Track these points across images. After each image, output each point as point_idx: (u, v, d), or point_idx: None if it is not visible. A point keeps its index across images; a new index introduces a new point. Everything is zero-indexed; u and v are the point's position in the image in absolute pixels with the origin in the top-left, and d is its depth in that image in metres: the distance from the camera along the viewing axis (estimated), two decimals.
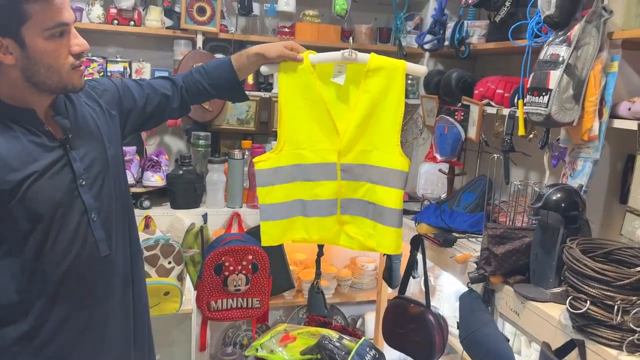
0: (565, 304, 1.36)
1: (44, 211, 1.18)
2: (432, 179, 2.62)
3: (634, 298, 1.19)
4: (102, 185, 1.29)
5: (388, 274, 2.35)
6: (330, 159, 1.70)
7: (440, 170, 2.44)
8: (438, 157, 2.32)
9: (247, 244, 2.27)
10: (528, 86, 1.65)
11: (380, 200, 1.70)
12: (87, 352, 1.28)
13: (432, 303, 2.07)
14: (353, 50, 1.62)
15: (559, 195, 1.46)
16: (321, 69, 1.65)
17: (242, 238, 2.30)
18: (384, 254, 2.38)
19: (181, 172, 2.27)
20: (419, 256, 2.10)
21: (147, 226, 2.28)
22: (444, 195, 2.45)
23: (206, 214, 2.31)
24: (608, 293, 1.21)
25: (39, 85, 1.18)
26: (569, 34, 1.55)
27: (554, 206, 1.46)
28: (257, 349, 2.09)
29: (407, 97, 2.75)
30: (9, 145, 1.16)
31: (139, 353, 1.42)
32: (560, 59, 1.55)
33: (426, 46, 2.56)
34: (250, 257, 2.27)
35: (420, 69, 1.70)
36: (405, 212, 2.38)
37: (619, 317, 1.20)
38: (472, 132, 2.19)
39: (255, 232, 2.36)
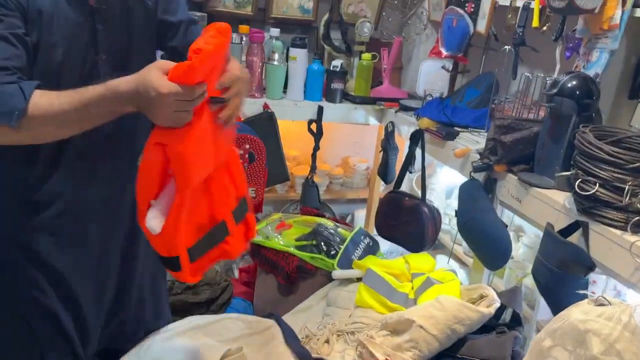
0: (570, 190, 1.39)
1: (59, 77, 1.12)
2: (432, 77, 2.57)
3: None
4: (123, 63, 1.22)
5: (383, 169, 2.37)
6: None
7: (443, 67, 2.39)
8: (444, 52, 2.26)
9: (244, 132, 2.23)
10: None
11: None
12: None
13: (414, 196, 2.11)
14: None
15: (574, 82, 1.44)
16: None
17: (239, 127, 2.25)
18: (381, 150, 2.39)
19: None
20: (418, 151, 2.11)
21: None
22: (444, 93, 2.42)
23: None
24: (619, 175, 1.23)
25: None
26: None
27: (568, 93, 1.44)
28: None
29: None
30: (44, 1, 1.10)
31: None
32: None
33: None
34: (247, 146, 2.23)
35: None
36: (406, 108, 2.37)
37: (627, 198, 1.22)
38: (482, 26, 2.12)
39: (252, 121, 2.32)
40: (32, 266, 1.22)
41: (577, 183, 1.30)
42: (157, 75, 0.98)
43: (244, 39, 2.31)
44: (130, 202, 1.26)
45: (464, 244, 2.30)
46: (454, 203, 2.60)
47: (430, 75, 2.57)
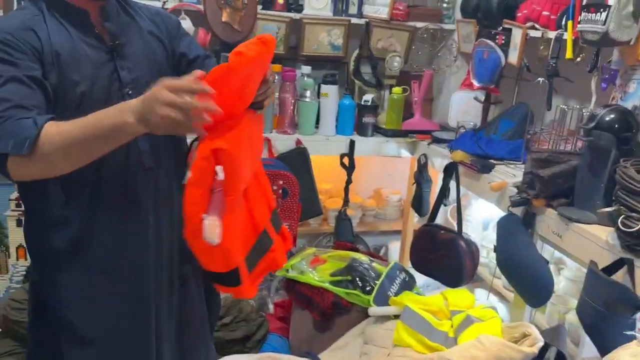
0: (613, 226, 1.35)
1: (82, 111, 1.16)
2: (463, 108, 2.57)
3: None
4: None
5: (418, 202, 2.36)
6: None
7: (475, 98, 2.38)
8: (475, 83, 2.26)
9: (278, 168, 2.26)
10: (584, 2, 1.57)
11: None
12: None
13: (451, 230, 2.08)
14: None
15: (612, 115, 1.42)
16: None
17: (272, 163, 2.29)
18: (414, 182, 2.39)
19: None
20: (452, 184, 2.09)
21: None
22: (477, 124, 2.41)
23: None
24: None
25: None
26: None
27: (607, 126, 1.42)
28: (287, 270, 2.12)
29: (441, 21, 2.66)
30: (61, 39, 1.15)
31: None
32: None
33: None
34: (281, 182, 2.26)
35: None
36: (438, 140, 2.36)
37: None
38: (514, 57, 2.11)
39: (285, 157, 2.35)
40: (76, 305, 1.24)
41: (620, 219, 1.27)
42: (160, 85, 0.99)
43: (276, 77, 2.35)
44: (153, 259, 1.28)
45: (504, 277, 2.25)
46: (491, 235, 2.57)
47: (461, 106, 2.56)
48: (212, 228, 1.03)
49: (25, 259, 2.19)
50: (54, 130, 1.03)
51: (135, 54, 1.25)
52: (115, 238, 1.24)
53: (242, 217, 1.15)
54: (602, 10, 1.49)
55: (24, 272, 2.20)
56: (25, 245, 1.35)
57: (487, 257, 2.38)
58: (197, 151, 1.04)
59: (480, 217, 2.60)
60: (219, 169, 1.04)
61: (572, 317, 1.93)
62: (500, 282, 2.27)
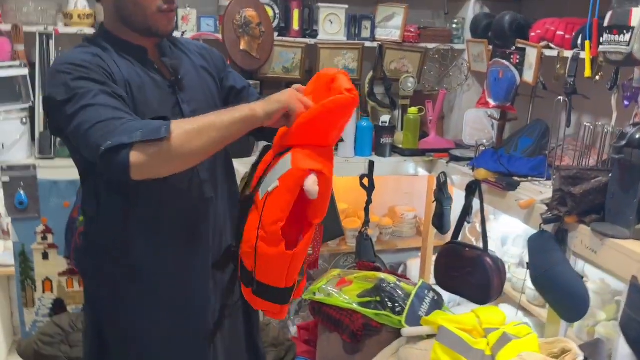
0: None
1: None
2: (477, 126, 2.62)
3: None
4: None
5: (439, 220, 2.38)
6: None
7: (490, 116, 2.43)
8: (491, 102, 2.30)
9: None
10: (606, 24, 1.63)
11: None
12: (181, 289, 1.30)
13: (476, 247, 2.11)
14: None
15: None
16: None
17: None
18: (434, 200, 2.42)
19: None
20: (475, 201, 2.12)
21: None
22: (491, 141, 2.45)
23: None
24: None
25: (126, 20, 1.19)
26: None
27: (638, 144, 1.46)
28: (314, 293, 2.13)
29: (451, 42, 2.71)
30: (129, 70, 1.19)
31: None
32: None
33: None
34: None
35: None
36: (457, 158, 2.40)
37: None
38: (529, 76, 2.16)
39: None
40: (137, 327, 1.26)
41: None
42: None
43: None
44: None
45: (529, 292, 2.28)
46: (511, 250, 2.60)
47: (475, 123, 2.61)
48: (314, 182, 1.06)
49: (52, 292, 2.18)
50: (182, 121, 1.06)
51: (193, 87, 1.28)
52: (178, 269, 1.25)
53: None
54: (625, 31, 1.54)
55: (51, 306, 2.18)
56: (75, 275, 1.35)
57: (509, 272, 2.41)
58: (296, 162, 1.08)
59: (499, 233, 2.63)
60: (313, 190, 1.07)
61: (602, 330, 1.96)
62: (525, 297, 2.30)
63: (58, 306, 2.19)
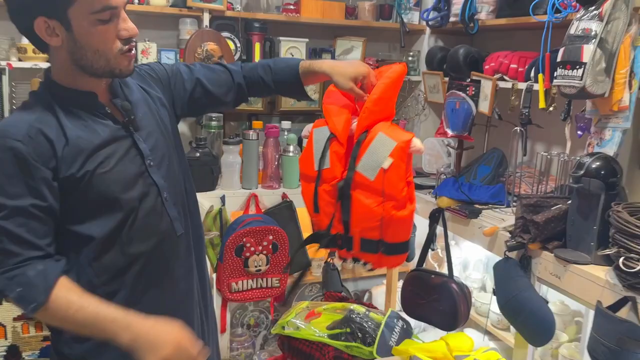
0: (609, 265, 1.45)
1: (118, 194, 1.15)
2: (435, 155, 2.69)
3: None
4: (168, 164, 1.28)
5: None
6: None
7: (448, 145, 2.51)
8: (449, 132, 2.38)
9: (267, 224, 2.26)
10: (559, 60, 1.72)
11: None
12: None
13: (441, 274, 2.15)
14: None
15: (599, 163, 1.55)
16: None
17: (261, 219, 2.30)
18: None
19: (198, 154, 2.23)
20: (439, 229, 2.17)
21: None
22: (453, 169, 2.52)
23: (224, 196, 2.29)
24: None
25: (86, 68, 1.15)
26: (600, 9, 1.62)
27: (595, 173, 1.54)
28: (283, 327, 2.10)
29: (408, 73, 2.79)
30: (78, 131, 1.14)
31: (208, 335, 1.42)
32: (593, 33, 1.62)
33: (430, 22, 2.60)
34: (270, 237, 2.27)
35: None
36: (420, 187, 2.45)
37: None
38: (485, 107, 2.25)
39: (272, 212, 2.36)
40: None
41: (620, 260, 1.37)
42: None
43: (259, 133, 2.39)
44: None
45: (492, 316, 2.33)
46: (473, 275, 2.67)
47: (433, 151, 2.68)
48: (419, 142, 1.34)
49: (5, 338, 2.06)
50: (62, 303, 1.09)
51: (146, 123, 1.26)
52: (163, 311, 1.22)
53: None
54: (578, 67, 1.64)
55: (4, 353, 2.06)
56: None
57: (473, 297, 2.46)
58: (398, 137, 1.33)
59: (460, 258, 2.69)
60: (422, 147, 1.39)
61: (565, 351, 2.03)
62: (489, 321, 2.35)
63: (12, 353, 2.08)
